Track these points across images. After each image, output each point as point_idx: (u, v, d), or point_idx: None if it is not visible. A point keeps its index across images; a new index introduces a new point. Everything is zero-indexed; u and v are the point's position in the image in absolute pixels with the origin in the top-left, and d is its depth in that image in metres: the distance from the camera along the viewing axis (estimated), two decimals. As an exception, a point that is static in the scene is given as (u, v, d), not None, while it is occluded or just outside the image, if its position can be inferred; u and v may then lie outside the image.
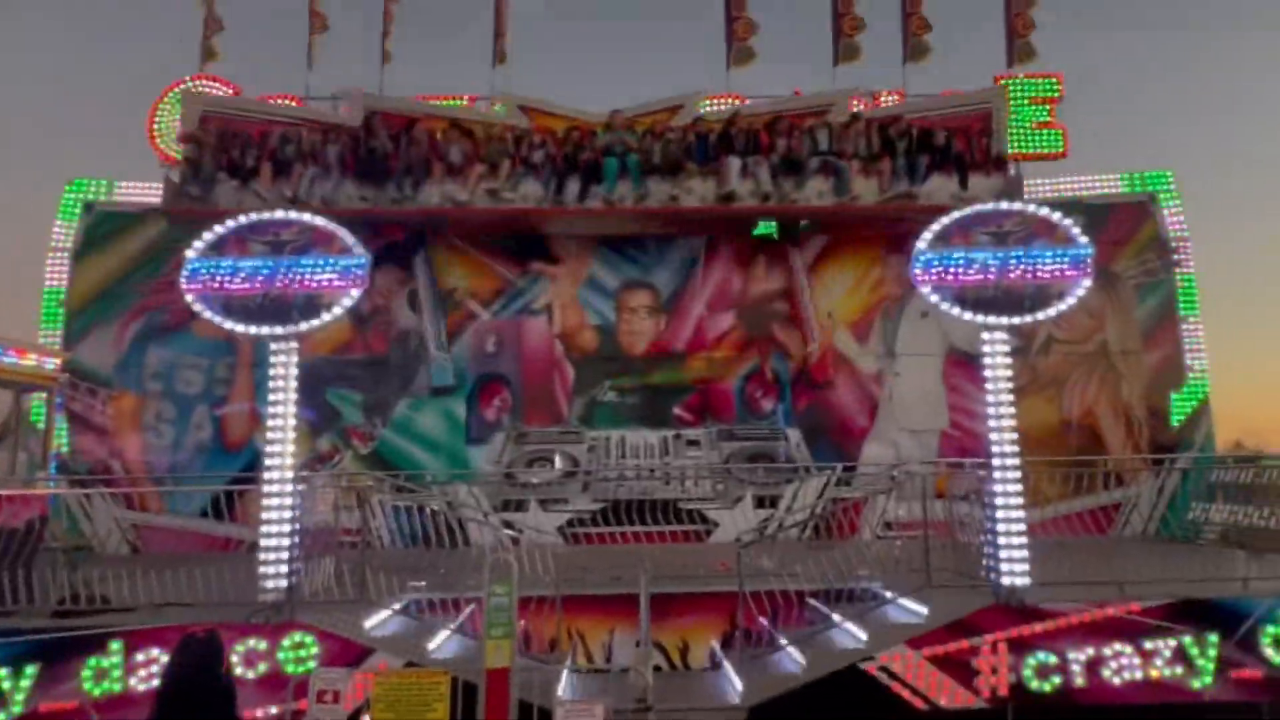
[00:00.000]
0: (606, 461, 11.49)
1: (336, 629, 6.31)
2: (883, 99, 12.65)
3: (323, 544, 7.21)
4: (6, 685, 5.88)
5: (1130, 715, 6.41)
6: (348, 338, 12.00)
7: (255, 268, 6.72)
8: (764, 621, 7.03)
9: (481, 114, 12.29)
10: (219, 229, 6.87)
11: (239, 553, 9.76)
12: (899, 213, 11.24)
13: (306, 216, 7.03)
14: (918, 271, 6.88)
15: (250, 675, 6.07)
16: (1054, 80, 12.64)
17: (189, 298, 6.73)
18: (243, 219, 6.98)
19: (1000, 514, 6.63)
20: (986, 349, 6.88)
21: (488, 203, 11.13)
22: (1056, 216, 7.01)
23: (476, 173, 11.09)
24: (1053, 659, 6.38)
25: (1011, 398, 6.81)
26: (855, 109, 12.17)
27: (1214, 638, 6.41)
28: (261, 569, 6.58)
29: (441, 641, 6.70)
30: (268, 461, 6.67)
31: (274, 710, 5.96)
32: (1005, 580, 6.57)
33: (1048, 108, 12.54)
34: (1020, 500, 6.65)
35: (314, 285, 6.72)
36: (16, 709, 5.85)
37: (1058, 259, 6.78)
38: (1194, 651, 6.40)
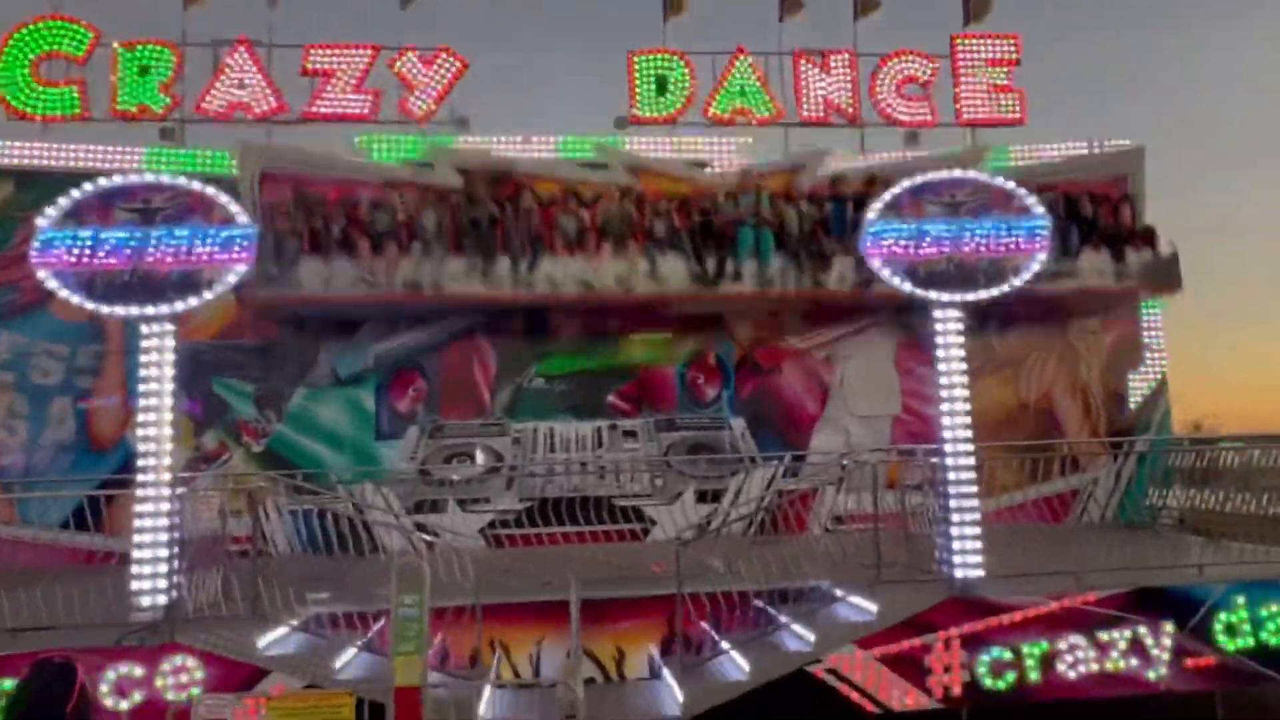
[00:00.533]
0: (533, 456, 11.40)
1: (224, 650, 6.15)
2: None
3: (208, 555, 7.00)
4: None
5: (1086, 711, 6.74)
6: (235, 319, 11.62)
7: (122, 240, 6.45)
8: (705, 626, 7.12)
9: (583, 171, 11.88)
10: (76, 193, 6.55)
11: (108, 567, 9.38)
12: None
13: (181, 180, 6.76)
14: (868, 244, 7.02)
15: (123, 706, 5.88)
16: (1011, 41, 12.98)
17: (42, 274, 6.41)
18: (104, 181, 6.66)
19: (953, 503, 6.86)
20: (939, 327, 7.07)
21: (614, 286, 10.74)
22: (1011, 186, 7.24)
23: (602, 251, 10.76)
24: (1007, 654, 6.66)
25: (965, 380, 7.02)
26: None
27: (1170, 626, 6.78)
28: (135, 584, 6.35)
29: (349, 660, 6.59)
30: (142, 462, 6.44)
31: (152, 744, 5.78)
32: (958, 573, 6.81)
33: (1005, 70, 12.89)
34: (974, 488, 6.90)
35: (192, 259, 6.48)
36: None
37: (1014, 231, 7.01)
38: (1149, 642, 6.76)
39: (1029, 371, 12.48)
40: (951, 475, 6.89)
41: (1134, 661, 6.74)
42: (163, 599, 6.33)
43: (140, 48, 11.65)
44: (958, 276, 6.97)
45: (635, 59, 12.30)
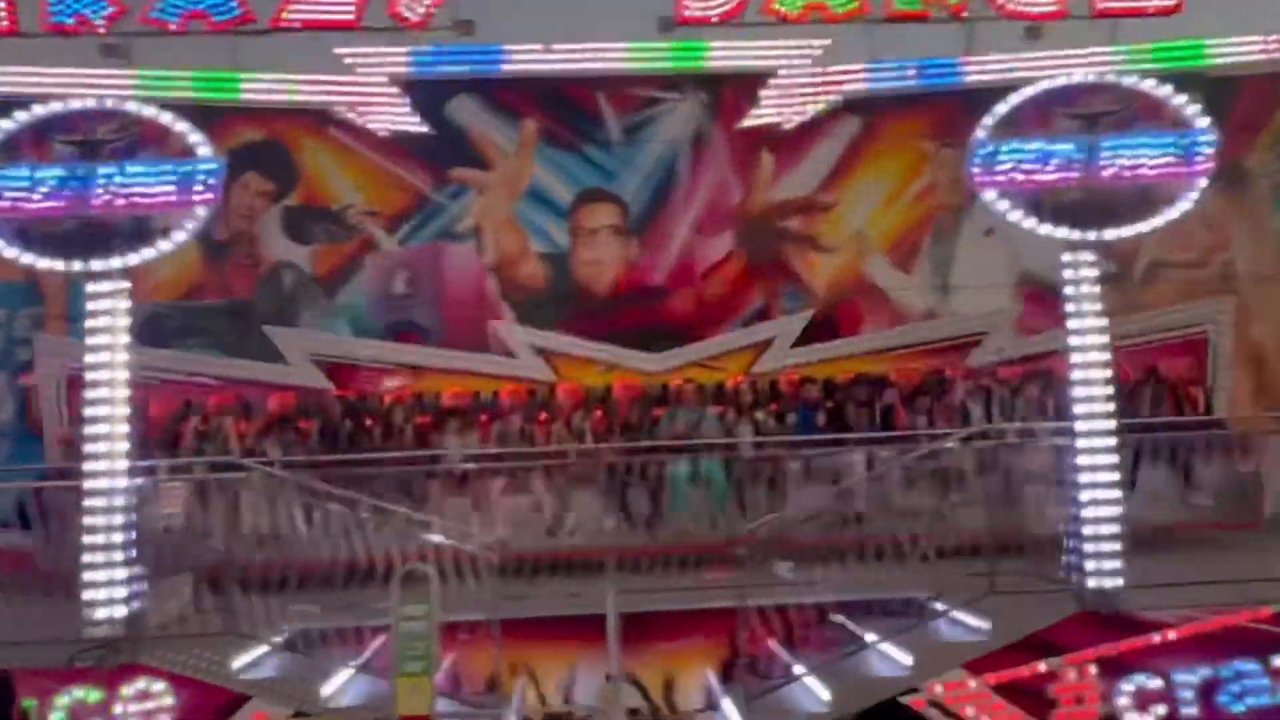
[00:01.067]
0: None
1: (195, 672, 6.33)
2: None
3: (174, 557, 7.19)
4: None
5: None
6: (199, 276, 11.81)
7: (61, 179, 6.58)
8: (774, 645, 7.15)
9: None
10: (6, 124, 6.70)
11: (57, 574, 9.71)
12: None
13: (131, 106, 6.89)
14: (977, 170, 6.90)
15: (79, 736, 6.09)
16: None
17: (-37, 222, 6.59)
18: (39, 109, 6.80)
19: (1087, 495, 6.77)
20: (1069, 275, 6.96)
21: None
22: (1165, 91, 7.05)
23: None
24: (1155, 683, 6.58)
25: (1105, 340, 6.90)
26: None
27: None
28: (88, 594, 6.55)
29: (342, 684, 6.75)
30: (90, 448, 6.61)
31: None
32: (1092, 582, 6.75)
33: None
34: (1115, 476, 6.80)
35: (144, 201, 6.60)
36: None
37: (1166, 150, 6.83)
38: (1340, 668, 6.62)
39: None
40: (1085, 460, 6.80)
41: (1319, 693, 6.63)
42: (121, 610, 6.51)
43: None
44: (1094, 209, 6.83)
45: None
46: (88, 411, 6.68)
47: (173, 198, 6.62)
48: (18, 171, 6.58)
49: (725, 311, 12.37)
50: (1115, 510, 6.79)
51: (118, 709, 6.20)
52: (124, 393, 6.70)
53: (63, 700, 6.16)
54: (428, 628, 5.26)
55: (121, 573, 6.55)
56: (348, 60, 11.91)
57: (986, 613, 6.83)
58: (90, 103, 7.01)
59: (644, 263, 12.45)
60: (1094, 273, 6.93)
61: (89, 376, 6.68)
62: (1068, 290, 6.97)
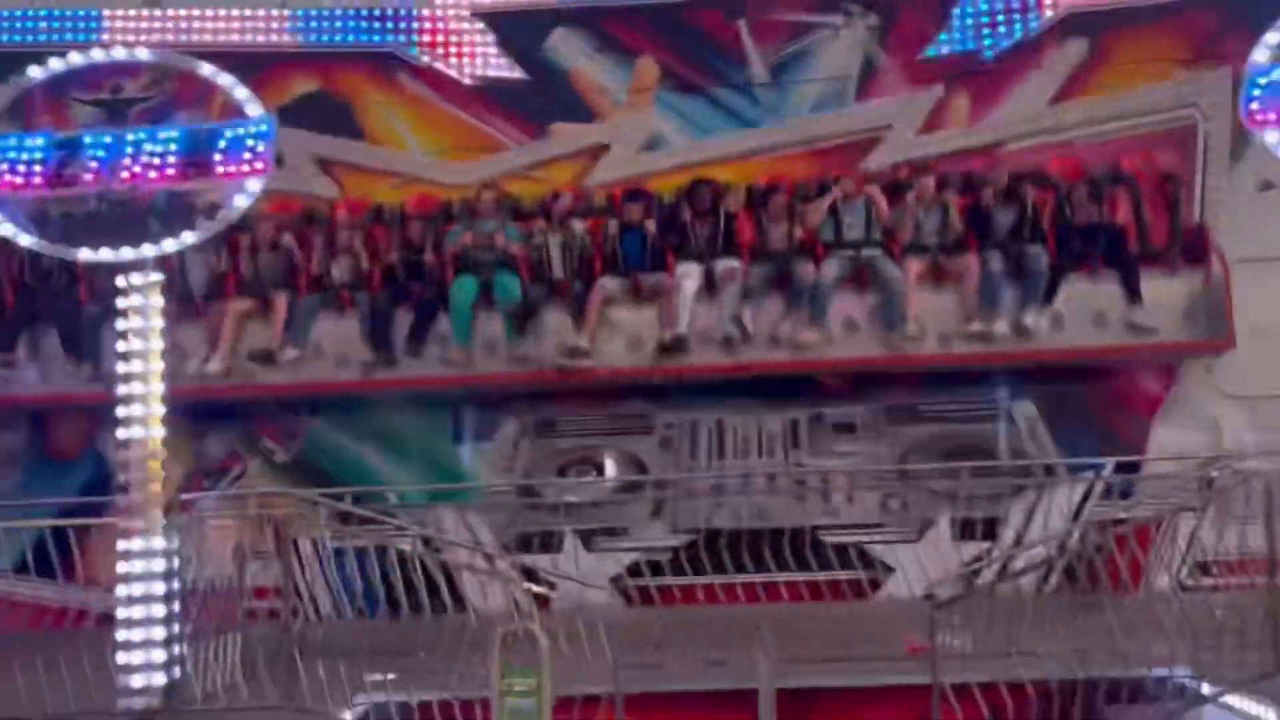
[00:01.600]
0: (694, 464, 11.54)
1: (249, 754, 6.52)
2: None
3: (222, 614, 7.43)
4: None
5: None
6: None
7: (90, 146, 6.76)
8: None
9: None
10: (17, 81, 6.94)
11: (82, 631, 10.12)
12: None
13: (166, 56, 7.12)
14: (1255, 106, 6.70)
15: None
16: None
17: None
18: (55, 62, 7.01)
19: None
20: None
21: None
22: None
23: None
24: None
25: None
26: None
27: None
28: (122, 657, 6.78)
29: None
30: (124, 479, 6.84)
31: None
32: None
33: None
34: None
35: (188, 175, 6.80)
36: None
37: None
38: None
39: None
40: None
41: None
42: (161, 677, 6.73)
43: None
44: None
45: None
46: (119, 434, 6.93)
47: (221, 169, 6.78)
48: (35, 140, 6.84)
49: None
50: None
51: (157, 796, 6.43)
52: (160, 408, 6.92)
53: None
54: (539, 705, 5.27)
55: (160, 630, 6.76)
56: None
57: (1272, 699, 6.52)
58: (116, 53, 7.25)
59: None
60: None
61: (120, 391, 6.92)
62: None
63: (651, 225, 11.17)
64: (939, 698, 6.79)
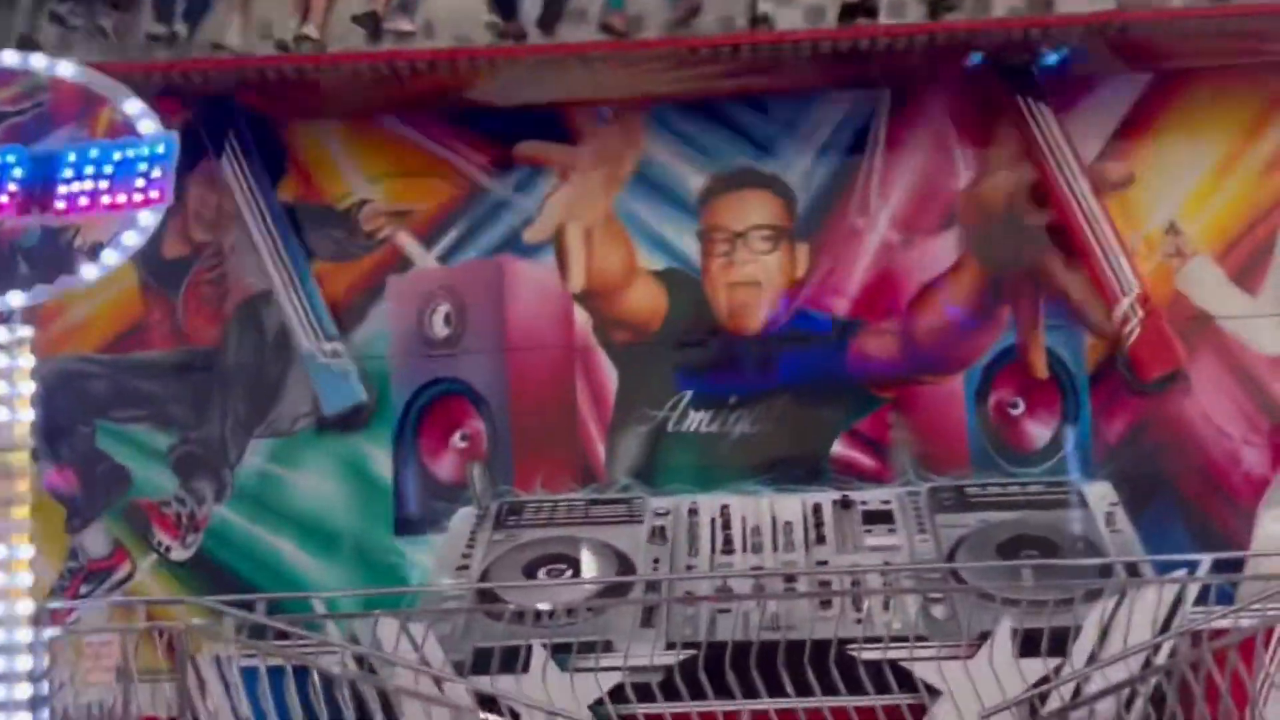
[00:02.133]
0: (692, 561, 11.52)
1: None
2: None
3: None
4: None
5: None
6: (136, 313, 12.15)
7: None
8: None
9: None
10: None
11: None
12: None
13: (37, 61, 7.12)
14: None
15: None
16: None
17: None
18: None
19: None
20: None
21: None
22: None
23: None
24: None
25: None
26: None
27: None
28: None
29: None
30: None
31: None
32: None
33: None
34: None
35: (70, 206, 6.78)
36: None
37: None
38: None
39: None
40: None
41: None
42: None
43: None
44: None
45: None
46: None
47: (107, 195, 6.73)
48: None
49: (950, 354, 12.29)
50: None
51: None
52: (26, 492, 6.84)
53: None
54: None
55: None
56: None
57: None
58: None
59: (819, 281, 12.38)
60: None
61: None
62: None
63: None
64: None
